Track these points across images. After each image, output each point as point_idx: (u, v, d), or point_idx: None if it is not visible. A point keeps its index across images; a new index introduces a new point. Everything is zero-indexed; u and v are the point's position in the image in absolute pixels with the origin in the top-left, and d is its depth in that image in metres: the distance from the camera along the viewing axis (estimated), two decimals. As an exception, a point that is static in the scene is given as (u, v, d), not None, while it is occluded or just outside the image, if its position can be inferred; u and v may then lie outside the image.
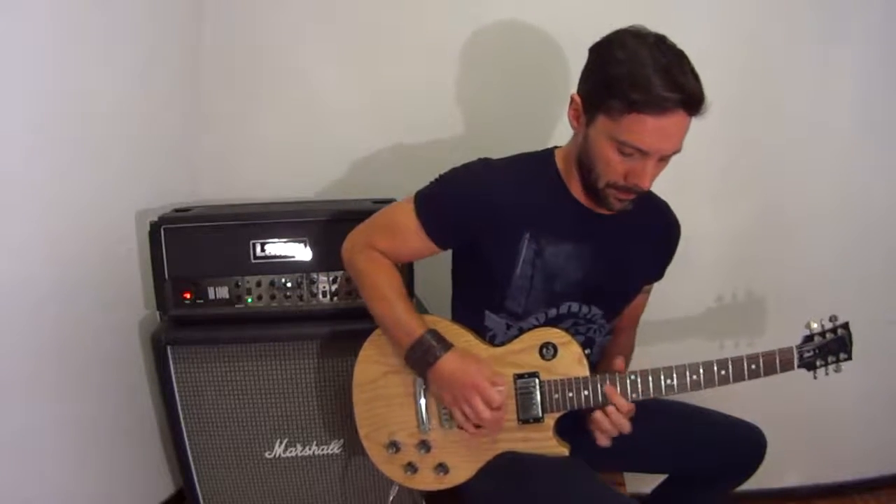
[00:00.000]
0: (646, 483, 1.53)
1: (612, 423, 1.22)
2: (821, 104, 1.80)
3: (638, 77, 1.07)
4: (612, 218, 1.27)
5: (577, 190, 1.28)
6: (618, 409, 1.22)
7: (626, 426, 1.23)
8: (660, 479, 1.50)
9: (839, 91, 1.79)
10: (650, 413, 1.27)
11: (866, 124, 1.81)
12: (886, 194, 1.85)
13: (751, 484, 1.42)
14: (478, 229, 1.27)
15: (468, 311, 1.36)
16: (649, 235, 1.36)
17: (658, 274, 1.46)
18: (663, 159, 1.15)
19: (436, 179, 1.31)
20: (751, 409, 1.45)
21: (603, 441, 1.24)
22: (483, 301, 1.33)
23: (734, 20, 1.77)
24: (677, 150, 1.14)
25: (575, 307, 1.32)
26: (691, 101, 1.08)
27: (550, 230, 1.27)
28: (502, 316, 1.32)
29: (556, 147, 1.34)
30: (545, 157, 1.32)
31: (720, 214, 1.87)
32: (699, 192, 1.84)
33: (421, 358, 1.24)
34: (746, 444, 1.38)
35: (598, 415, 1.23)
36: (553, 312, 1.31)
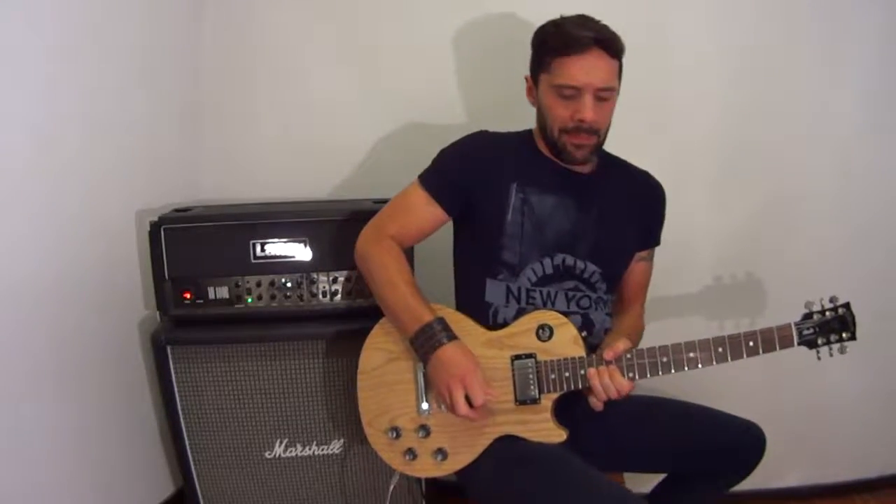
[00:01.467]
0: (646, 483, 1.53)
1: (603, 384, 1.25)
2: (821, 102, 1.80)
3: (557, 31, 1.32)
4: (592, 177, 1.41)
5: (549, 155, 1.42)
6: (616, 387, 1.24)
7: (614, 391, 1.24)
8: (659, 478, 1.50)
9: (839, 89, 1.79)
10: (650, 412, 1.28)
11: (866, 122, 1.81)
12: (886, 191, 1.85)
13: (751, 484, 1.42)
14: (473, 184, 1.39)
15: (470, 287, 1.42)
16: (633, 195, 1.47)
17: (653, 239, 1.51)
18: (600, 98, 1.31)
19: (436, 156, 1.43)
20: (751, 407, 1.45)
21: (596, 404, 1.27)
22: (482, 267, 1.39)
23: (735, 19, 1.77)
24: (609, 87, 1.31)
25: (570, 260, 1.38)
26: (603, 39, 1.29)
27: (534, 182, 1.39)
28: (501, 278, 1.37)
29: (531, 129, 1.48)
30: (525, 132, 1.49)
31: (721, 210, 1.87)
32: (700, 187, 1.84)
33: (426, 342, 1.29)
34: (745, 442, 1.38)
35: (591, 371, 1.26)
36: (548, 263, 1.37)
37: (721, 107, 1.80)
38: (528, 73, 1.42)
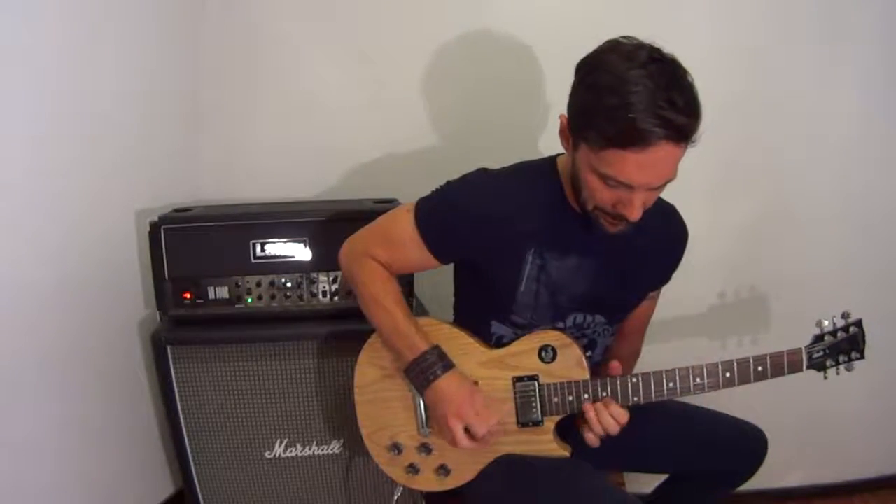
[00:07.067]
0: (646, 483, 1.53)
1: (599, 420, 1.21)
2: (821, 102, 1.80)
3: (618, 109, 0.99)
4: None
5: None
6: (615, 418, 1.20)
7: (614, 429, 1.21)
8: (660, 478, 1.50)
9: (839, 89, 1.79)
10: (651, 413, 1.27)
11: (867, 122, 1.81)
12: (888, 192, 1.85)
13: (752, 484, 1.42)
14: (479, 246, 1.24)
15: (473, 318, 1.34)
16: (656, 243, 1.31)
17: (666, 280, 1.41)
18: (654, 189, 1.09)
19: (436, 192, 1.28)
20: (752, 409, 1.45)
21: (591, 440, 1.23)
22: (488, 312, 1.31)
23: (735, 19, 1.77)
24: (670, 179, 1.08)
25: (580, 318, 1.31)
26: (678, 133, 1.01)
27: (555, 244, 1.24)
28: (508, 326, 1.30)
29: (559, 155, 1.29)
30: (547, 167, 1.27)
31: (721, 213, 1.87)
32: (700, 190, 1.83)
33: (420, 375, 1.23)
34: (748, 444, 1.38)
35: (587, 406, 1.22)
36: (560, 325, 1.30)
37: (720, 107, 1.78)
38: (560, 106, 1.15)
